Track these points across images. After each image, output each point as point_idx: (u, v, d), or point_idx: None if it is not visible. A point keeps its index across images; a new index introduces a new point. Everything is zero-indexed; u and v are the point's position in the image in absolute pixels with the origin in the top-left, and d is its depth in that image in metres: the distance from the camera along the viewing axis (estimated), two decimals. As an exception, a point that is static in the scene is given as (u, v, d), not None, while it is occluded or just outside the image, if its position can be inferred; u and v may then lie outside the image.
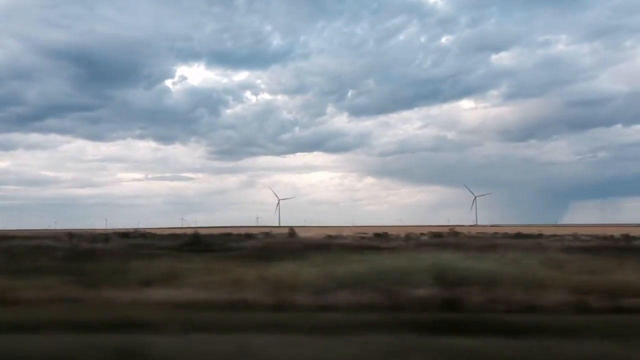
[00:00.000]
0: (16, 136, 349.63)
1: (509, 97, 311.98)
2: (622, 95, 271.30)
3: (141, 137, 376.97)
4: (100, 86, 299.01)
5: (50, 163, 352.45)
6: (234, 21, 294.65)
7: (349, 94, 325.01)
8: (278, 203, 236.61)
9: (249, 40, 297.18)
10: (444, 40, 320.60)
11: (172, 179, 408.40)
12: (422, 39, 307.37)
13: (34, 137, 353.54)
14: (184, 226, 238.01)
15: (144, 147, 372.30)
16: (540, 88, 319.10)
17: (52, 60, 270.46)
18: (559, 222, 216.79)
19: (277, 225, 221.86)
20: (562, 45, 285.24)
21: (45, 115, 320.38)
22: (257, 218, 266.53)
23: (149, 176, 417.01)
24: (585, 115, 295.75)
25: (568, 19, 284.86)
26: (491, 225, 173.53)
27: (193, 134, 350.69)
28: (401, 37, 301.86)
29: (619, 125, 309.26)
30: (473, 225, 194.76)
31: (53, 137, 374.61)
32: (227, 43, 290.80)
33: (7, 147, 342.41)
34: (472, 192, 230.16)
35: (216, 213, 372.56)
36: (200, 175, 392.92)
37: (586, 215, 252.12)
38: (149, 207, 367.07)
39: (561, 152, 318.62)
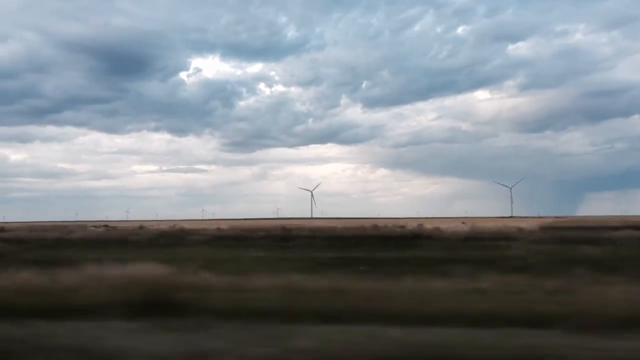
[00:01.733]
0: (33, 129, 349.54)
1: (525, 87, 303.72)
2: None
3: (156, 129, 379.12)
4: (116, 79, 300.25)
5: (66, 155, 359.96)
6: (249, 13, 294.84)
7: (364, 85, 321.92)
8: (312, 195, 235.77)
9: (264, 31, 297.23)
10: (460, 30, 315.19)
11: (185, 171, 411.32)
12: (438, 30, 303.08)
13: (50, 129, 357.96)
14: (205, 218, 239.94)
15: (159, 140, 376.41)
16: (557, 78, 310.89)
17: (69, 53, 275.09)
18: (575, 214, 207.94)
19: (310, 216, 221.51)
20: (580, 35, 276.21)
21: (61, 108, 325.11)
22: (277, 210, 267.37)
23: (164, 168, 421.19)
24: (603, 106, 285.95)
25: (586, 8, 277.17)
26: (536, 217, 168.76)
27: (207, 126, 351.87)
28: (417, 27, 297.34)
29: (637, 116, 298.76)
30: (511, 217, 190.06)
31: (69, 129, 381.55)
32: (241, 35, 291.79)
33: (24, 140, 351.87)
34: (505, 185, 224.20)
35: (229, 205, 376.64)
36: (213, 167, 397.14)
37: (602, 207, 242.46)
38: (163, 199, 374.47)
39: (577, 143, 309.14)
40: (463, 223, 72.25)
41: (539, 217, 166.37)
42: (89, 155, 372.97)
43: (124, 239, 38.16)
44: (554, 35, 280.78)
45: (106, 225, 76.52)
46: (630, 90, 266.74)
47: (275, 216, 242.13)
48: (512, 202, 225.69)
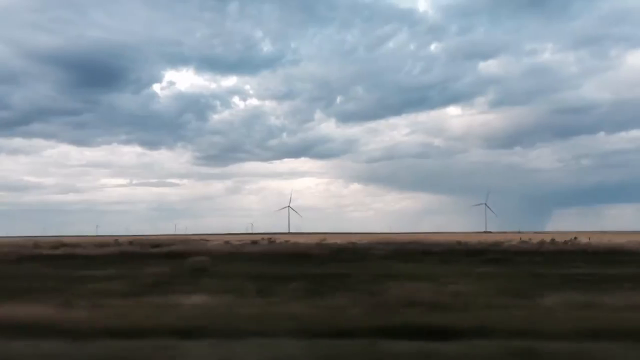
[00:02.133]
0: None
1: (496, 104, 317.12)
2: (606, 104, 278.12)
3: (127, 142, 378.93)
4: (87, 91, 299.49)
5: (33, 168, 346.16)
6: (225, 27, 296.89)
7: (338, 100, 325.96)
8: (288, 209, 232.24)
9: (240, 46, 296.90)
10: (433, 47, 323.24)
11: (157, 185, 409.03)
12: (412, 47, 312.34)
13: (17, 141, 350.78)
14: (177, 233, 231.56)
15: (130, 152, 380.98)
16: (526, 96, 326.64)
17: (40, 64, 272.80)
18: (544, 229, 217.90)
19: (287, 231, 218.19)
20: (548, 54, 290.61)
21: (30, 120, 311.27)
22: (251, 225, 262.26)
23: (134, 182, 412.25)
24: (570, 123, 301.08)
25: (555, 27, 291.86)
26: (516, 232, 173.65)
27: (180, 139, 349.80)
28: (391, 44, 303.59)
29: (603, 133, 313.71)
30: (486, 232, 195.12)
31: (37, 141, 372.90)
32: (217, 48, 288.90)
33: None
34: (484, 204, 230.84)
35: (201, 219, 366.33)
36: (185, 181, 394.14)
37: (569, 222, 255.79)
38: (132, 214, 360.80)
39: (545, 159, 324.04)
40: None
41: (519, 232, 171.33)
42: (57, 168, 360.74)
43: (306, 254, 34.09)
44: (524, 53, 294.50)
45: (271, 239, 70.08)
46: (596, 108, 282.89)
47: (249, 231, 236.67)
48: (486, 217, 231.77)
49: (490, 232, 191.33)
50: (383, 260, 29.38)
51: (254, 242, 58.21)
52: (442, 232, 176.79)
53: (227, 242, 58.43)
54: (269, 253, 35.84)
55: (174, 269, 22.26)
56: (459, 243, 48.32)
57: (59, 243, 54.11)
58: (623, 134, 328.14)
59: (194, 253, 31.28)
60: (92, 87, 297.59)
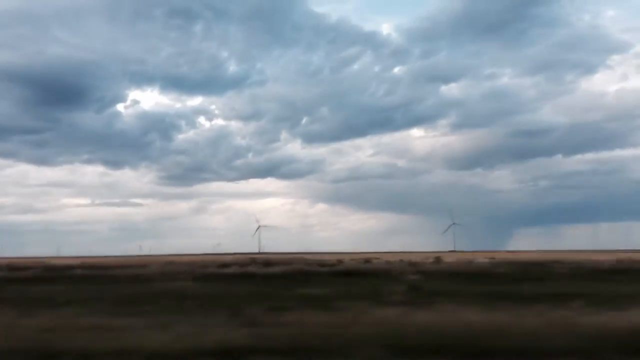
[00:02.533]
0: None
1: (457, 126, 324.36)
2: (563, 127, 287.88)
3: (89, 161, 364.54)
4: (48, 109, 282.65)
5: None
6: (190, 46, 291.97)
7: (303, 120, 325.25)
8: (258, 229, 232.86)
9: (205, 65, 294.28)
10: (396, 70, 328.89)
11: (120, 205, 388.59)
12: (376, 69, 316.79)
13: None
14: (142, 254, 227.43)
15: (92, 172, 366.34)
16: (486, 119, 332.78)
17: None
18: (505, 248, 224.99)
19: (258, 251, 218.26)
20: (506, 78, 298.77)
21: None
22: (218, 244, 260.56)
23: (96, 202, 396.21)
24: (528, 146, 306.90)
25: (513, 53, 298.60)
26: (474, 252, 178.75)
27: (144, 159, 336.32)
28: (356, 66, 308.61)
29: (559, 155, 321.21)
30: (453, 252, 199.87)
31: None
32: (182, 68, 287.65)
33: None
34: (451, 220, 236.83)
35: (165, 239, 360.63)
36: (149, 200, 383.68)
37: (528, 242, 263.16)
38: (94, 234, 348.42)
39: (505, 180, 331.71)
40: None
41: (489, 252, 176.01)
42: (16, 187, 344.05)
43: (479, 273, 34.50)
44: (483, 77, 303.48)
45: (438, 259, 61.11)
46: (553, 131, 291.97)
47: (217, 251, 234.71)
48: (454, 236, 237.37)
49: (455, 252, 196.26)
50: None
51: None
52: (408, 252, 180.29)
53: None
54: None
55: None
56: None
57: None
58: (579, 156, 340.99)
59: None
60: (54, 106, 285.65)
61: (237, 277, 33.09)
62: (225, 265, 46.16)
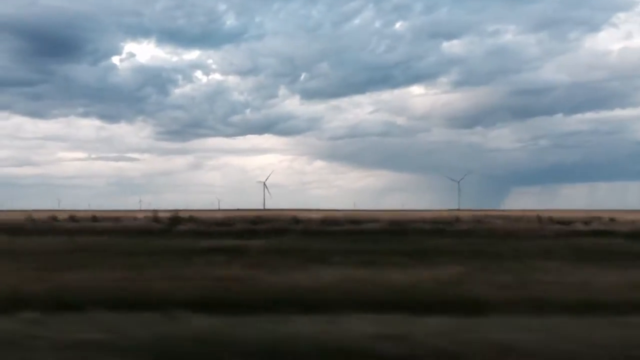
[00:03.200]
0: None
1: (458, 84, 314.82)
2: (564, 86, 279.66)
3: (85, 115, 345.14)
4: (42, 61, 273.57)
5: None
6: None
7: (302, 76, 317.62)
8: (265, 186, 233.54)
9: (202, 18, 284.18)
10: (398, 26, 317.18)
11: (116, 159, 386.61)
12: (377, 24, 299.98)
13: None
14: (143, 209, 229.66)
15: (88, 126, 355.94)
16: (487, 76, 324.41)
17: None
18: (501, 207, 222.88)
19: (263, 208, 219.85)
20: (510, 35, 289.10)
21: None
22: (218, 201, 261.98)
23: (93, 156, 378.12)
24: (529, 104, 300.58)
25: (517, 9, 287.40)
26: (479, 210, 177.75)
27: (140, 113, 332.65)
28: (357, 21, 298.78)
29: (560, 115, 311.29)
30: (458, 210, 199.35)
31: None
32: (179, 21, 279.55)
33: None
34: (453, 179, 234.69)
35: (161, 195, 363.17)
36: (146, 156, 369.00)
37: (525, 201, 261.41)
38: (91, 188, 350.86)
39: (505, 139, 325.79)
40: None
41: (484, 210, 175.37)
42: (11, 140, 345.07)
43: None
44: (487, 34, 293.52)
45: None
46: (554, 89, 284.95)
47: (217, 207, 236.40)
48: (459, 194, 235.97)
49: (460, 210, 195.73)
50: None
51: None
52: (407, 210, 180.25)
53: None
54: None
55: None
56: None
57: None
58: (579, 115, 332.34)
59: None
60: (48, 57, 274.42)
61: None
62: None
